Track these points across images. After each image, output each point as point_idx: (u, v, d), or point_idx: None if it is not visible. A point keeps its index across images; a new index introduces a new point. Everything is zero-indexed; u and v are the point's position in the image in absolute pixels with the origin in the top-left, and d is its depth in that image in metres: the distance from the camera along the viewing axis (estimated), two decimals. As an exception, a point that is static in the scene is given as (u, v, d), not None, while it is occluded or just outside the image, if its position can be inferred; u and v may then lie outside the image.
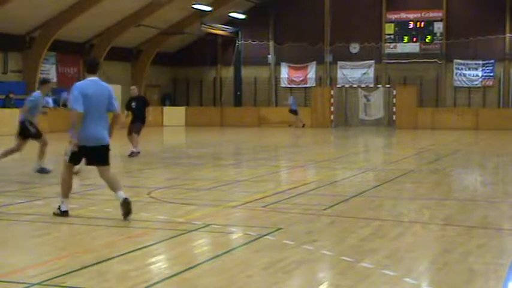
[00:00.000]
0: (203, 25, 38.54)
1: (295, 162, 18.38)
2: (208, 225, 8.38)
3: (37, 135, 14.11)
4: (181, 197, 10.90)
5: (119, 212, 8.84)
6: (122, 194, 8.59)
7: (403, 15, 39.52)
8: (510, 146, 24.75)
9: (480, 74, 38.39)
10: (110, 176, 8.84)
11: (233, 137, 30.16)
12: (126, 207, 8.47)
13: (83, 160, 8.94)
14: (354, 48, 40.19)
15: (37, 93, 14.15)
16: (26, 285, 5.70)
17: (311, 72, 41.22)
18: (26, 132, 14.02)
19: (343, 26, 40.00)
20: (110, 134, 8.94)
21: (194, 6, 36.59)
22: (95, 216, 9.06)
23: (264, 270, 6.24)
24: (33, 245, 7.41)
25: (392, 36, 39.70)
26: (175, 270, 6.24)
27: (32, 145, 14.38)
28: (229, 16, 40.33)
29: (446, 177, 14.47)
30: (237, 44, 42.12)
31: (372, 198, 10.96)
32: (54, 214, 8.79)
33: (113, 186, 8.76)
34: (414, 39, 39.27)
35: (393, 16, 39.68)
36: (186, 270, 6.23)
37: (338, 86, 39.71)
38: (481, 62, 38.21)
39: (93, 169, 9.30)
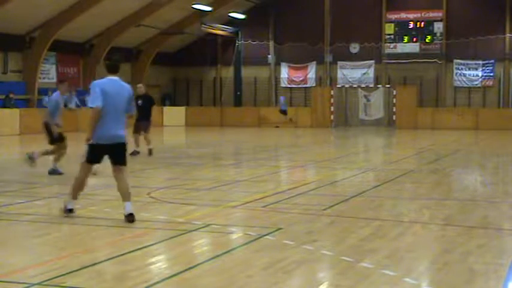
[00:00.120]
0: (203, 25, 38.54)
1: (295, 162, 18.38)
2: (208, 225, 8.38)
3: (58, 140, 14.00)
4: (181, 197, 10.91)
5: (119, 212, 8.85)
6: (129, 207, 8.47)
7: (403, 15, 39.51)
8: (510, 146, 24.75)
9: (480, 74, 38.38)
10: (124, 179, 8.67)
11: (233, 137, 30.16)
12: (129, 219, 8.41)
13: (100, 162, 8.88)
14: (354, 48, 40.18)
15: (56, 94, 14.14)
16: (26, 285, 5.70)
17: (311, 72, 41.21)
18: (49, 134, 13.98)
19: (343, 26, 40.00)
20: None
21: (194, 6, 36.59)
22: (95, 216, 9.06)
23: (264, 270, 6.24)
24: (33, 245, 7.41)
25: (392, 36, 39.70)
26: (175, 270, 6.24)
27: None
28: (229, 16, 40.33)
29: (446, 177, 14.47)
30: (237, 44, 42.12)
31: (372, 198, 10.96)
32: (61, 213, 8.77)
33: (123, 193, 8.60)
34: (414, 39, 39.27)
35: (393, 16, 39.68)
36: (186, 270, 6.23)
37: (338, 86, 39.70)
38: (481, 62, 38.21)
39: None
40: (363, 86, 39.40)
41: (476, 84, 38.54)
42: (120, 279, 5.99)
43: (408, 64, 39.23)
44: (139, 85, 19.32)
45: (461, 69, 38.65)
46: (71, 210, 8.79)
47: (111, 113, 8.49)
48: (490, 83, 38.36)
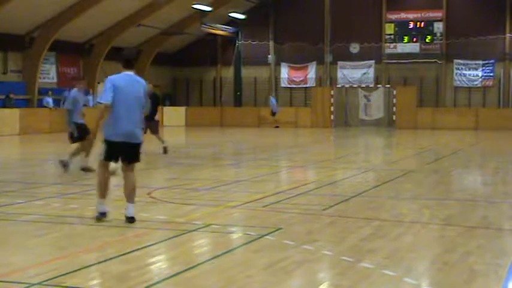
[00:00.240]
0: (203, 25, 38.53)
1: (295, 162, 18.38)
2: (208, 225, 8.38)
3: (79, 139, 13.91)
4: (181, 197, 10.91)
5: (119, 212, 8.84)
6: (131, 210, 8.38)
7: (403, 15, 39.51)
8: (510, 146, 24.75)
9: (480, 74, 38.38)
10: (131, 178, 8.53)
11: (233, 137, 30.16)
12: (129, 221, 8.34)
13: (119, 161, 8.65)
14: (354, 48, 40.17)
15: (73, 91, 14.14)
16: (26, 285, 5.70)
17: (311, 72, 41.21)
18: (70, 135, 13.95)
19: (343, 26, 40.00)
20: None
21: (194, 6, 36.59)
22: (95, 216, 9.05)
23: (264, 270, 6.24)
24: (33, 245, 7.41)
25: (392, 36, 39.70)
26: (175, 270, 6.24)
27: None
28: (229, 16, 40.33)
29: (446, 177, 14.47)
30: (237, 44, 42.13)
31: (371, 198, 10.96)
32: (97, 219, 8.49)
33: (127, 193, 8.49)
34: (414, 39, 39.27)
35: (393, 16, 39.68)
36: (186, 270, 6.23)
37: (338, 86, 39.70)
38: (481, 62, 38.20)
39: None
40: (363, 86, 39.40)
41: (476, 84, 38.54)
42: (120, 279, 5.99)
43: (408, 64, 39.23)
44: (148, 84, 19.28)
45: (461, 69, 38.65)
46: (102, 214, 8.49)
47: (124, 109, 8.31)
48: (490, 83, 38.36)
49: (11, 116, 29.45)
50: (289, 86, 41.74)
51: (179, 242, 7.56)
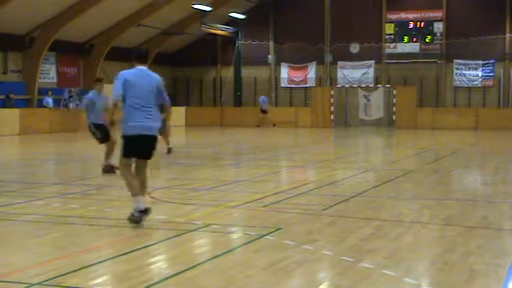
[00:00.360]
0: (203, 25, 38.53)
1: (295, 162, 18.38)
2: (208, 225, 8.38)
3: (103, 140, 13.87)
4: (181, 197, 10.90)
5: (119, 212, 8.84)
6: (143, 202, 8.22)
7: (403, 15, 39.51)
8: (510, 146, 24.75)
9: (480, 74, 38.38)
10: (144, 174, 8.45)
11: (233, 137, 30.16)
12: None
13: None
14: (354, 48, 40.18)
15: (91, 93, 14.11)
16: (26, 285, 5.70)
17: (311, 72, 41.21)
18: (94, 136, 13.89)
19: (343, 26, 40.00)
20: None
21: (194, 6, 36.59)
22: (95, 216, 9.06)
23: (264, 270, 6.24)
24: (33, 245, 7.40)
25: (392, 36, 39.69)
26: (175, 270, 6.24)
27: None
28: (229, 16, 40.33)
29: (446, 177, 14.47)
30: (237, 44, 42.13)
31: (371, 198, 10.96)
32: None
33: (139, 186, 8.34)
34: (414, 39, 39.26)
35: (393, 16, 39.68)
36: (186, 270, 6.23)
37: (338, 86, 39.70)
38: (481, 62, 38.20)
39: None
40: (363, 86, 39.40)
41: (476, 84, 38.53)
42: (120, 279, 5.99)
43: (408, 64, 39.23)
44: None
45: (461, 69, 38.65)
46: (145, 211, 8.13)
47: (137, 103, 8.22)
48: (490, 83, 38.35)
49: (11, 116, 29.45)
50: (289, 86, 41.74)
51: (179, 242, 7.56)
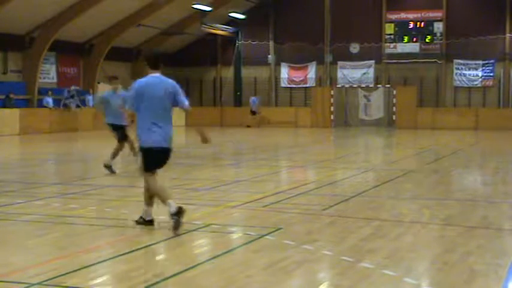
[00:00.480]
0: (203, 25, 38.53)
1: (295, 162, 18.37)
2: (208, 225, 8.37)
3: (121, 139, 13.78)
4: (181, 197, 10.89)
5: (119, 212, 8.84)
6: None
7: (403, 15, 39.50)
8: (510, 146, 24.75)
9: (480, 74, 38.37)
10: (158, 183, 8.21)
11: (233, 137, 30.16)
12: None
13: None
14: (354, 48, 40.17)
15: (106, 92, 14.06)
16: (26, 285, 5.70)
17: (311, 72, 41.20)
18: (113, 134, 13.82)
19: (343, 26, 39.99)
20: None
21: (194, 6, 36.58)
22: (95, 216, 9.06)
23: (264, 270, 6.24)
24: (33, 245, 7.41)
25: (392, 36, 39.68)
26: (175, 270, 6.24)
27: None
28: (229, 16, 40.32)
29: (446, 177, 14.47)
30: (237, 44, 42.13)
31: (371, 198, 10.96)
32: (175, 226, 7.79)
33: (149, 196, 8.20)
34: (414, 39, 39.25)
35: (393, 16, 39.67)
36: (186, 270, 6.23)
37: (338, 86, 39.70)
38: (481, 62, 38.19)
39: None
40: (363, 86, 39.40)
41: (476, 84, 38.53)
42: (120, 279, 5.99)
43: (408, 64, 39.22)
44: None
45: (461, 69, 38.64)
46: (179, 212, 7.82)
47: (150, 114, 8.06)
48: (490, 83, 38.34)
49: (11, 116, 29.46)
50: (289, 86, 41.73)
51: (179, 242, 7.56)
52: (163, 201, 8.01)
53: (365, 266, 6.35)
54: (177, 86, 8.35)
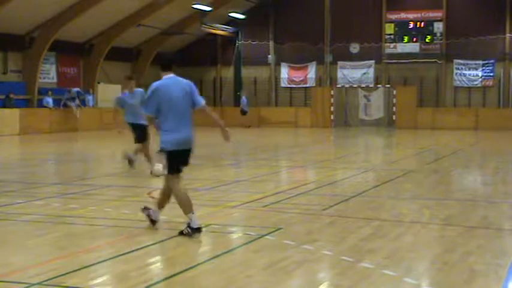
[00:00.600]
0: (203, 25, 38.53)
1: (295, 162, 18.37)
2: (208, 225, 8.37)
3: (140, 139, 13.73)
4: (181, 197, 10.88)
5: (119, 212, 8.84)
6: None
7: (403, 15, 39.50)
8: (510, 146, 24.75)
9: (480, 74, 38.37)
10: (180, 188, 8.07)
11: (233, 137, 30.10)
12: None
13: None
14: (354, 48, 40.17)
15: (121, 94, 14.02)
16: (26, 285, 5.70)
17: (311, 72, 41.21)
18: (133, 135, 13.76)
19: (343, 26, 39.99)
20: (224, 133, 8.72)
21: (194, 6, 36.58)
22: (95, 216, 9.06)
23: (264, 270, 6.24)
24: (33, 245, 7.41)
25: (392, 36, 39.69)
26: (175, 270, 6.24)
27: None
28: (229, 16, 40.32)
29: (446, 177, 14.47)
30: (237, 44, 42.13)
31: (372, 198, 10.96)
32: (184, 233, 7.67)
33: (163, 199, 8.17)
34: (414, 39, 39.26)
35: (393, 16, 39.67)
36: (186, 270, 6.23)
37: (338, 86, 39.70)
38: (481, 62, 38.19)
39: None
40: (363, 86, 39.40)
41: (476, 84, 38.53)
42: (120, 279, 5.99)
43: (408, 64, 39.22)
44: None
45: (461, 69, 38.65)
46: (198, 229, 7.68)
47: (174, 116, 7.96)
48: (490, 83, 38.35)
49: (11, 116, 29.46)
50: (289, 86, 41.73)
51: (179, 242, 7.56)
52: (185, 213, 7.85)
53: (365, 266, 6.35)
54: (193, 86, 8.25)
